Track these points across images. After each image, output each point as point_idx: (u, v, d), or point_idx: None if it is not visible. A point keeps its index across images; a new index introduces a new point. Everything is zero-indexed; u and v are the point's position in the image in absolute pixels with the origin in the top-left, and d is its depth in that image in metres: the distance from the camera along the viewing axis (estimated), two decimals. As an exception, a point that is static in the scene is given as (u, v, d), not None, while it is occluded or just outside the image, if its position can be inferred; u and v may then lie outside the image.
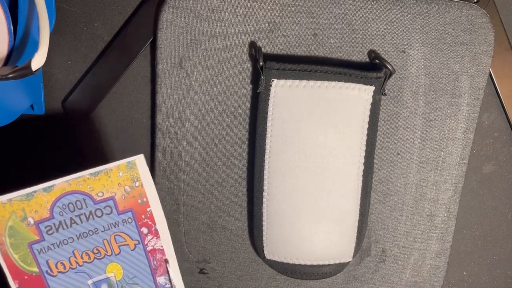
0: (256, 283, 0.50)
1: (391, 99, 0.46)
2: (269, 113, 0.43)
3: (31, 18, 0.41)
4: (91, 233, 0.35)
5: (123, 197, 0.34)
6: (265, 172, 0.45)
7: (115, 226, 0.35)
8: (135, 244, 0.35)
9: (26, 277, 0.34)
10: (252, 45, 0.45)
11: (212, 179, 0.47)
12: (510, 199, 0.51)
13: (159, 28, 0.44)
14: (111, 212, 0.35)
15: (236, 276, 0.50)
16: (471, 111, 0.47)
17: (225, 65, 0.45)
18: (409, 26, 0.45)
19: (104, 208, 0.34)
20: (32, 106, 0.47)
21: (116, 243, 0.35)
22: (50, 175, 0.49)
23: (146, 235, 0.35)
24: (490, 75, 0.47)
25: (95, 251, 0.35)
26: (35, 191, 0.33)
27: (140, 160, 0.35)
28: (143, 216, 0.35)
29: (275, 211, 0.45)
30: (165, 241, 0.36)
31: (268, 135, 0.44)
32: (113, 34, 0.47)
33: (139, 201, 0.35)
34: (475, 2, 0.45)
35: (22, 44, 0.40)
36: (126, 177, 0.34)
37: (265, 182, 0.45)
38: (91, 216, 0.34)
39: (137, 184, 0.34)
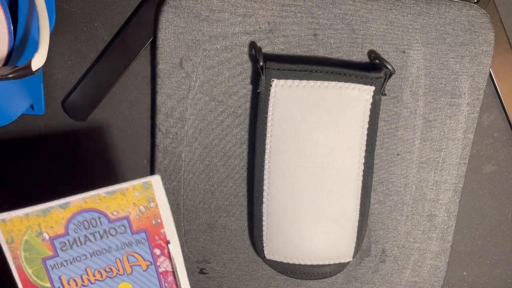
0: (256, 283, 0.50)
1: (391, 99, 0.46)
2: (269, 113, 0.43)
3: (31, 18, 0.41)
4: (104, 251, 0.35)
5: (137, 217, 0.34)
6: (265, 172, 0.45)
7: (128, 246, 0.35)
8: (148, 265, 0.35)
9: None
10: (252, 45, 0.45)
11: (212, 179, 0.47)
12: (510, 199, 0.51)
13: (159, 28, 0.44)
14: (125, 231, 0.35)
15: (236, 276, 0.50)
16: (471, 111, 0.47)
17: (225, 65, 0.45)
18: (409, 26, 0.45)
19: (119, 227, 0.34)
20: (32, 106, 0.47)
21: (129, 263, 0.35)
22: (50, 175, 0.49)
23: (159, 256, 0.35)
24: (490, 75, 0.47)
25: (107, 269, 0.35)
26: (51, 207, 0.33)
27: (156, 181, 0.35)
28: (156, 237, 0.35)
29: (275, 211, 0.45)
30: (179, 264, 0.36)
31: (268, 135, 0.44)
32: (113, 34, 0.47)
33: (153, 222, 0.35)
34: (475, 2, 0.45)
35: (22, 44, 0.40)
36: (142, 197, 0.34)
37: (265, 182, 0.45)
38: (105, 235, 0.34)
39: (152, 205, 0.34)
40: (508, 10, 0.47)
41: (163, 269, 0.36)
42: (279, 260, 0.47)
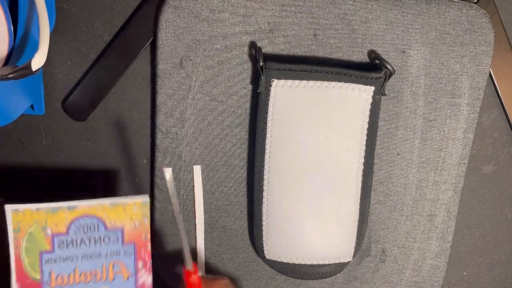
0: (256, 283, 0.50)
1: (391, 99, 0.46)
2: (269, 113, 0.43)
3: (31, 18, 0.41)
4: (94, 256, 0.37)
5: (130, 230, 0.38)
6: (265, 172, 0.45)
7: (116, 255, 0.38)
8: (129, 276, 0.38)
9: (28, 281, 0.36)
10: (252, 45, 0.45)
11: (212, 179, 0.47)
12: (510, 199, 0.51)
13: (159, 28, 0.44)
14: (117, 241, 0.38)
15: (236, 276, 0.50)
16: (471, 111, 0.47)
17: (225, 65, 0.45)
18: (409, 26, 0.45)
19: (112, 236, 0.37)
20: (32, 106, 0.47)
21: (113, 270, 0.38)
22: (49, 175, 0.49)
23: (140, 269, 0.38)
24: (490, 75, 0.47)
25: (93, 273, 0.38)
26: (60, 207, 0.36)
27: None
28: (142, 252, 0.38)
29: (275, 211, 0.45)
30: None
31: (268, 135, 0.44)
32: (113, 34, 0.47)
33: (143, 236, 0.38)
34: (475, 2, 0.45)
35: (22, 44, 0.40)
36: (138, 213, 0.37)
37: (265, 182, 0.45)
38: (99, 241, 0.37)
39: (146, 221, 0.38)
40: (508, 10, 0.47)
41: (142, 282, 0.38)
42: (279, 260, 0.47)
